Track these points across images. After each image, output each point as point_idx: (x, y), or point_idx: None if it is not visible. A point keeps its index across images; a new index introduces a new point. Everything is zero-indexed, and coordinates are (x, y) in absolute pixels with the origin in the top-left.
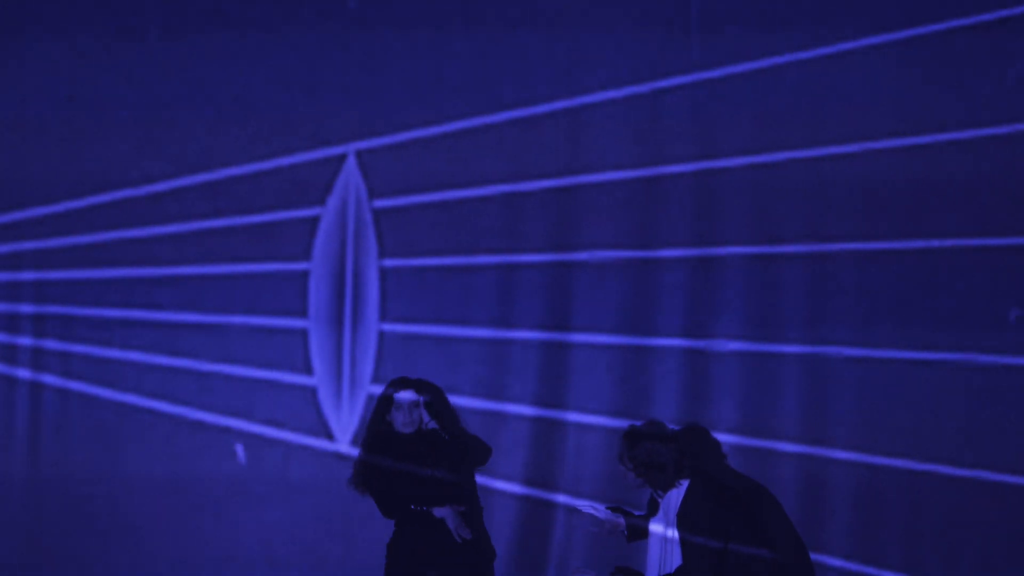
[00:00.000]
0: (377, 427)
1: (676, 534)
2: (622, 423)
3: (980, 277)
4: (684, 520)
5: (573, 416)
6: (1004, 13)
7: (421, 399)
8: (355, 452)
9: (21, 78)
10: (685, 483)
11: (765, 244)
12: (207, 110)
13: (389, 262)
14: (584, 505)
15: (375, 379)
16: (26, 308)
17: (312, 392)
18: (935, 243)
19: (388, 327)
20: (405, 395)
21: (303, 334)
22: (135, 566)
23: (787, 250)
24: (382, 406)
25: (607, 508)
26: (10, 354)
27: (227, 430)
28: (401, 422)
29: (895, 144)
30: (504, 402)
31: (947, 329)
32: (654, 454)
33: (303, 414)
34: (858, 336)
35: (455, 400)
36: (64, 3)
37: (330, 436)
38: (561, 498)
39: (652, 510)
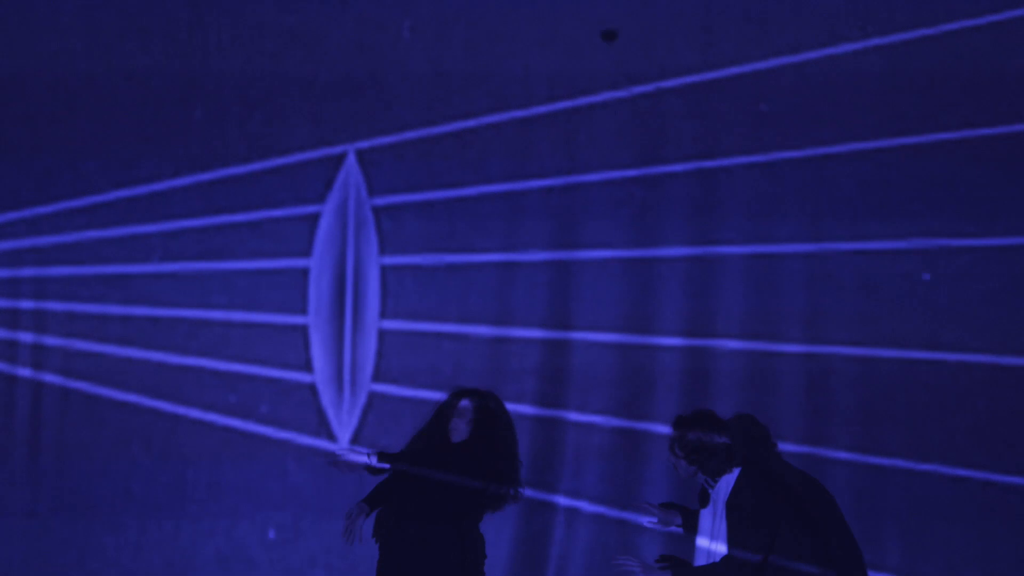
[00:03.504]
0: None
1: (724, 522)
2: (622, 423)
3: (980, 277)
4: (733, 507)
5: (573, 416)
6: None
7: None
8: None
9: (21, 77)
10: (736, 471)
11: (765, 244)
12: (207, 108)
13: (389, 259)
14: (638, 510)
15: (375, 377)
16: (26, 304)
17: (312, 389)
18: (935, 243)
19: (388, 324)
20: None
21: (303, 331)
22: (135, 565)
23: (787, 250)
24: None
25: (659, 507)
26: (10, 351)
27: (227, 428)
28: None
29: (895, 143)
30: (504, 401)
31: (947, 329)
32: (705, 441)
33: (303, 412)
34: (858, 335)
35: None
36: (64, 2)
37: (330, 434)
38: (561, 498)
39: (704, 503)
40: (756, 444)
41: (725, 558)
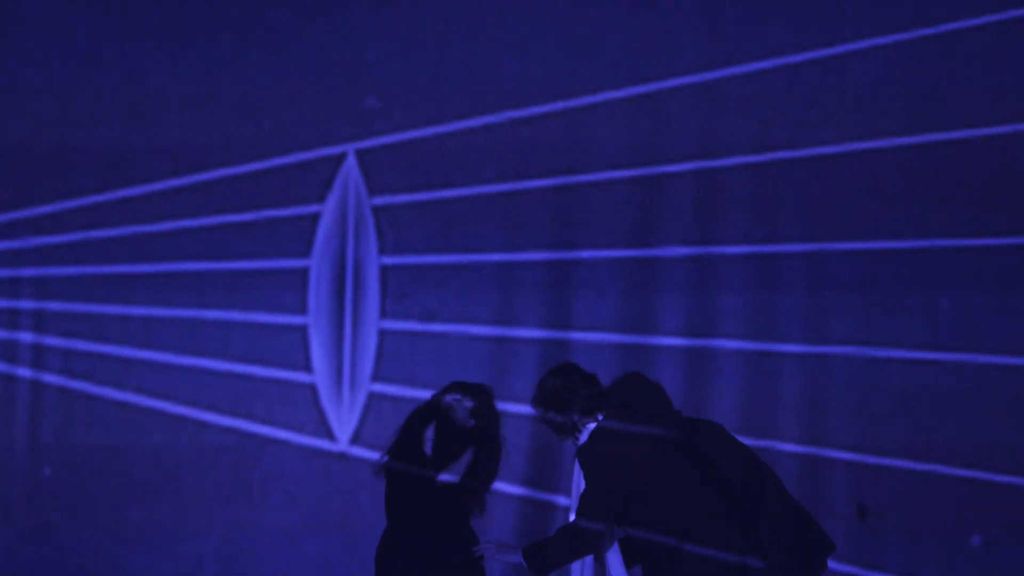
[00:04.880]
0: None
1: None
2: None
3: (979, 276)
4: (580, 457)
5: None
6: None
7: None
8: (353, 450)
9: (21, 77)
10: (590, 427)
11: (765, 244)
12: (208, 108)
13: (389, 259)
14: None
15: (375, 377)
16: (26, 304)
17: (312, 389)
18: (934, 242)
19: (388, 325)
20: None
21: (303, 331)
22: (135, 564)
23: (787, 249)
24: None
25: None
26: (10, 351)
27: (227, 428)
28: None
29: (896, 143)
30: (504, 401)
31: (947, 329)
32: (557, 394)
33: (303, 411)
34: (858, 335)
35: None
36: (65, 2)
37: (330, 434)
38: (561, 498)
39: None
40: (636, 399)
41: (564, 526)
